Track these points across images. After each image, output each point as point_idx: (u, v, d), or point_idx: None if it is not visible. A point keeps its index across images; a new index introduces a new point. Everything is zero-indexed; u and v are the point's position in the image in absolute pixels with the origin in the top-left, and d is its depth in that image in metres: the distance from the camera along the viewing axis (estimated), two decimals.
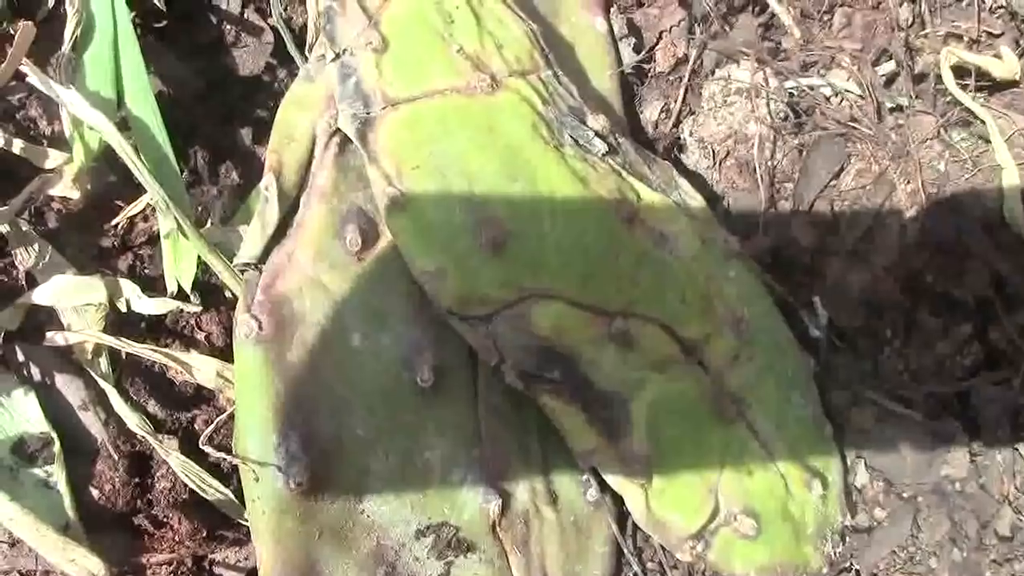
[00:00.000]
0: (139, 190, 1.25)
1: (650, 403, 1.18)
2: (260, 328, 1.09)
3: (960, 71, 1.38)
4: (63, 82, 1.19)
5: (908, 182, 1.36)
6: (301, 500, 1.07)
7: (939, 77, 1.38)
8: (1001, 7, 1.43)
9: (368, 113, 1.15)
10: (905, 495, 1.29)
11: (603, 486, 1.21)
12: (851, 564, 1.27)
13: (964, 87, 1.37)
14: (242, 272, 1.16)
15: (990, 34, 1.42)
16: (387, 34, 1.17)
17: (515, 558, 1.18)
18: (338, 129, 1.17)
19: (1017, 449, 1.29)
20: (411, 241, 1.12)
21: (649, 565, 1.28)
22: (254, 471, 1.07)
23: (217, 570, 1.21)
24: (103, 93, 1.23)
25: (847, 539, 1.27)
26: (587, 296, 1.16)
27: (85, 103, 1.17)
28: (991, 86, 1.40)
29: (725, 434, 1.22)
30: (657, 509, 1.17)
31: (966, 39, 1.41)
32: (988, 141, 1.36)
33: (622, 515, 1.25)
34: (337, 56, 1.17)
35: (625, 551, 1.26)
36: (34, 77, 1.18)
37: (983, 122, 1.36)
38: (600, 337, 1.16)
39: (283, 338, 1.10)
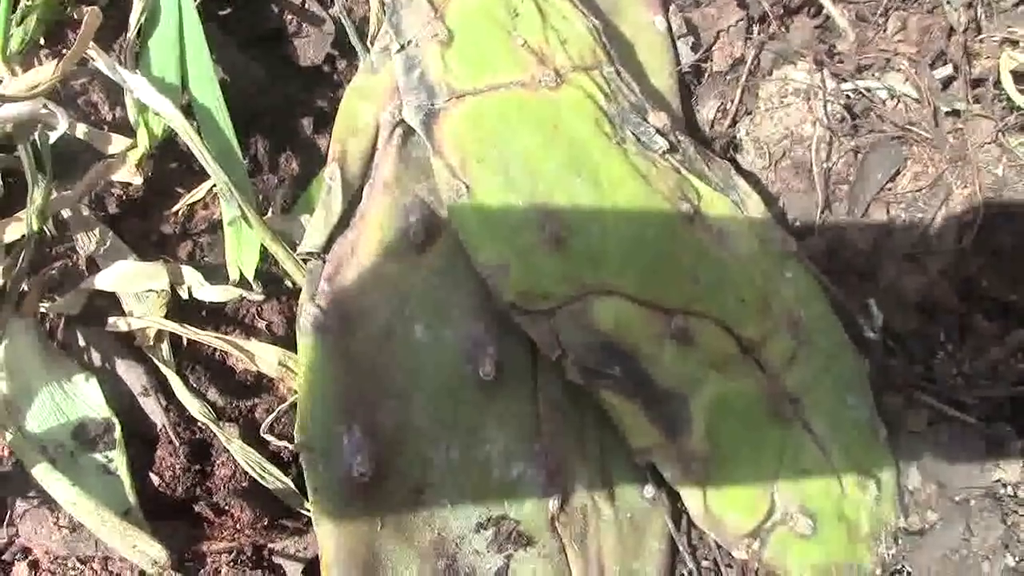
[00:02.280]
0: (199, 177, 1.25)
1: (709, 401, 1.17)
2: (324, 317, 1.09)
3: (1018, 76, 1.38)
4: (128, 67, 1.19)
5: (965, 186, 1.36)
6: (363, 490, 1.07)
7: (996, 82, 1.38)
8: None
9: (433, 105, 1.15)
10: (957, 499, 1.28)
11: (660, 483, 1.20)
12: (903, 566, 1.27)
13: (1021, 92, 1.37)
14: (304, 261, 1.16)
15: None
16: (452, 26, 1.18)
17: (573, 553, 1.17)
18: (402, 120, 1.17)
19: None
20: (474, 234, 1.13)
21: (704, 563, 1.27)
22: (316, 460, 1.06)
23: (277, 559, 1.20)
24: (167, 79, 1.23)
25: (900, 541, 1.27)
26: (648, 293, 1.16)
27: (150, 88, 1.17)
28: None
29: (782, 434, 1.21)
30: (714, 507, 1.17)
31: (1022, 44, 1.41)
32: None
33: (678, 512, 1.25)
34: (402, 47, 1.18)
35: (680, 548, 1.25)
36: (100, 62, 1.18)
37: None
38: (660, 334, 1.16)
39: (346, 328, 1.10)
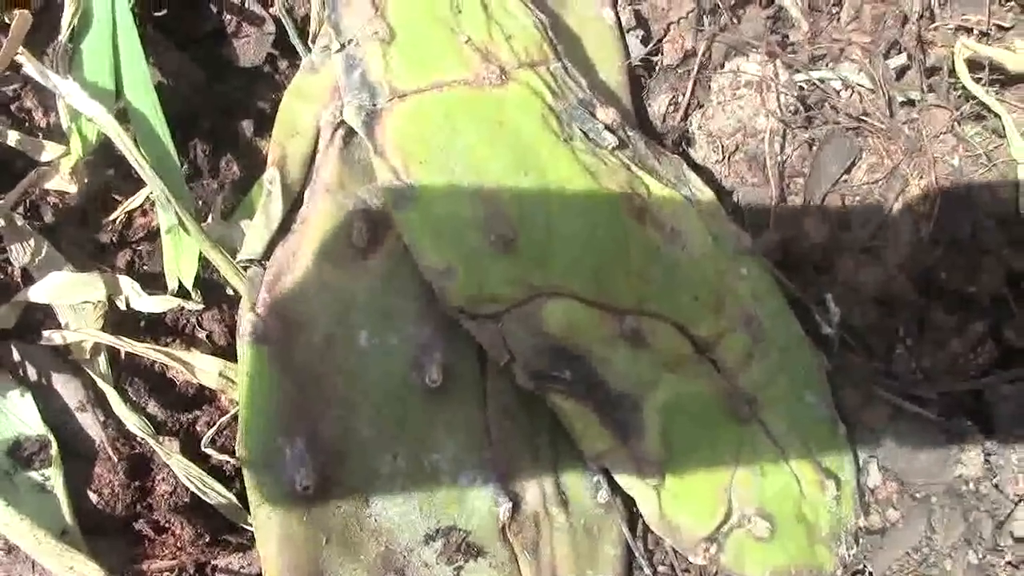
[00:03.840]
0: (137, 184, 1.22)
1: (663, 403, 1.15)
2: (264, 326, 1.07)
3: (973, 65, 1.36)
4: (60, 72, 1.16)
5: (921, 177, 1.34)
6: (307, 504, 1.05)
7: (951, 71, 1.37)
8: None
9: (374, 105, 1.12)
10: (919, 496, 1.27)
11: (614, 488, 1.19)
12: (864, 566, 1.26)
13: (978, 80, 1.35)
14: (245, 269, 1.13)
15: (1000, 27, 1.40)
16: (394, 24, 1.15)
17: (525, 562, 1.16)
18: (343, 121, 1.15)
19: None
20: (419, 237, 1.10)
21: (661, 568, 1.26)
22: (259, 474, 1.04)
23: None
24: (101, 84, 1.20)
25: (860, 540, 1.26)
26: (598, 294, 1.14)
27: (83, 94, 1.14)
28: (1004, 79, 1.38)
29: (738, 434, 1.19)
30: (669, 511, 1.15)
31: (976, 32, 1.39)
32: (1002, 136, 1.35)
33: (633, 517, 1.23)
34: (342, 46, 1.15)
35: (636, 554, 1.24)
36: (31, 67, 1.15)
37: (997, 116, 1.34)
38: (612, 336, 1.14)
39: (288, 337, 1.08)
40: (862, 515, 1.26)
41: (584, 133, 1.19)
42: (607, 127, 1.20)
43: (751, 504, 1.18)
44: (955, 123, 1.35)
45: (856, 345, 1.33)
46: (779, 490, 1.20)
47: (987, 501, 1.26)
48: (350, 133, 1.16)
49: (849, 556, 1.23)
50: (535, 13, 1.23)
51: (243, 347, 1.07)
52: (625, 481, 1.15)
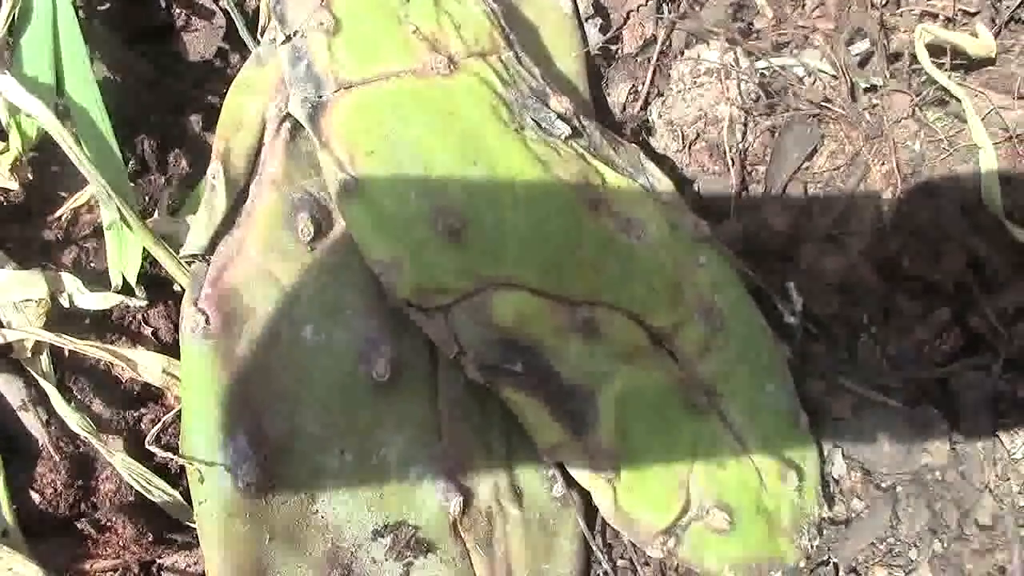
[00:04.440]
0: (82, 181, 1.21)
1: (618, 395, 1.14)
2: (207, 322, 1.06)
3: (935, 50, 1.35)
4: None
5: (883, 163, 1.33)
6: (250, 501, 1.04)
7: (914, 56, 1.36)
8: None
9: (320, 97, 1.11)
10: (884, 485, 1.26)
11: (569, 482, 1.17)
12: (828, 557, 1.25)
13: (940, 66, 1.35)
14: (189, 264, 1.12)
15: (965, 12, 1.39)
16: (339, 15, 1.14)
17: (478, 557, 1.15)
18: (289, 114, 1.14)
19: (997, 436, 1.27)
20: (365, 229, 1.09)
21: (619, 562, 1.25)
22: (201, 471, 1.03)
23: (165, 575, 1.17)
24: (41, 79, 1.19)
25: (824, 532, 1.25)
26: (550, 285, 1.13)
27: (21, 89, 1.14)
28: (967, 65, 1.37)
29: (696, 426, 1.18)
30: (626, 505, 1.14)
31: (941, 17, 1.38)
32: (964, 121, 1.34)
33: (591, 511, 1.22)
34: (288, 38, 1.14)
35: (594, 548, 1.22)
36: None
37: (959, 101, 1.33)
38: (564, 327, 1.13)
39: (231, 333, 1.07)
40: (826, 506, 1.25)
41: (536, 123, 1.18)
42: (560, 116, 1.19)
43: (710, 496, 1.17)
44: (916, 108, 1.34)
45: (819, 334, 1.33)
46: (739, 482, 1.19)
47: (953, 490, 1.26)
48: (296, 126, 1.15)
49: (812, 547, 1.22)
50: (487, 2, 1.22)
51: (185, 343, 1.06)
52: (579, 475, 1.14)
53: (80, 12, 1.22)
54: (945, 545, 1.24)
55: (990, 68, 1.36)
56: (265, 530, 1.05)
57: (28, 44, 1.20)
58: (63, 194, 1.24)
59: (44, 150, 1.23)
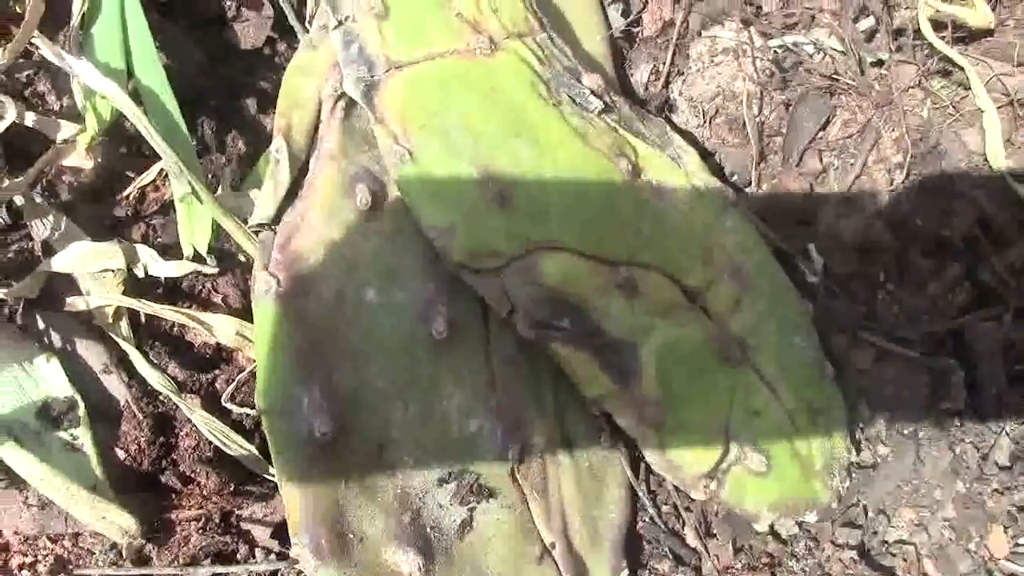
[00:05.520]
0: (149, 161, 1.27)
1: (658, 348, 1.20)
2: (278, 284, 1.11)
3: (937, 24, 1.42)
4: (74, 54, 1.21)
5: (893, 130, 1.40)
6: (326, 450, 1.09)
7: (917, 31, 1.42)
8: None
9: (372, 76, 1.17)
10: (906, 431, 1.32)
11: (616, 431, 1.23)
12: (858, 499, 1.30)
13: (942, 38, 1.41)
14: (256, 234, 1.18)
15: None
16: (388, 1, 1.20)
17: (535, 503, 1.20)
18: (343, 93, 1.19)
19: (1011, 381, 1.33)
20: (419, 198, 1.15)
21: (664, 508, 1.31)
22: (278, 422, 1.08)
23: (245, 525, 1.22)
24: (112, 64, 1.24)
25: (853, 475, 1.30)
26: (592, 246, 1.19)
27: (97, 72, 1.19)
28: (967, 36, 1.44)
29: (732, 376, 1.24)
30: (669, 450, 1.20)
31: None
32: (967, 88, 1.40)
33: (636, 460, 1.28)
34: (340, 23, 1.20)
35: (640, 494, 1.28)
36: (46, 49, 1.20)
37: (962, 69, 1.40)
38: (607, 286, 1.19)
39: (300, 294, 1.12)
40: (854, 451, 1.30)
41: (571, 98, 1.25)
42: (592, 92, 1.25)
43: (747, 441, 1.22)
44: (922, 78, 1.41)
45: (840, 291, 1.38)
46: (774, 427, 1.25)
47: (971, 433, 1.32)
48: (351, 104, 1.20)
49: (843, 488, 1.28)
50: None
51: (258, 304, 1.11)
52: (625, 423, 1.19)
53: (142, 3, 1.27)
54: (967, 485, 1.30)
55: (989, 39, 1.43)
56: (340, 476, 1.09)
57: (99, 33, 1.25)
58: (130, 174, 1.30)
59: (110, 134, 1.28)
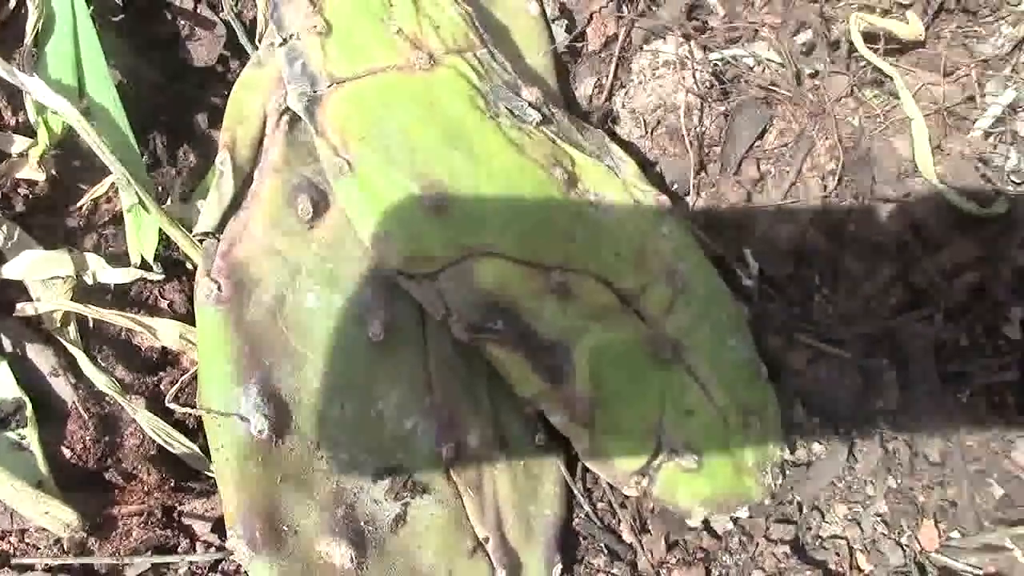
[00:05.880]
0: (101, 174, 1.31)
1: (591, 349, 1.22)
2: (219, 290, 1.15)
3: (870, 37, 1.46)
4: (27, 72, 1.26)
5: (826, 138, 1.43)
6: (263, 447, 1.13)
7: (851, 43, 1.46)
8: None
9: (315, 91, 1.22)
10: (840, 430, 1.35)
11: (550, 430, 1.26)
12: (793, 496, 1.33)
13: (875, 51, 1.45)
14: (201, 241, 1.22)
15: (900, 4, 1.49)
16: (330, 19, 1.24)
17: (468, 498, 1.24)
18: (287, 108, 1.24)
19: (942, 381, 1.37)
20: (358, 207, 1.19)
21: (599, 504, 1.34)
22: (218, 422, 1.12)
23: (186, 520, 1.26)
24: (65, 82, 1.29)
25: (787, 472, 1.33)
26: (526, 252, 1.22)
27: (48, 89, 1.24)
28: (899, 49, 1.48)
29: (665, 376, 1.27)
30: (602, 448, 1.23)
31: (878, 10, 1.49)
32: (897, 97, 1.44)
33: (572, 458, 1.31)
34: (284, 41, 1.24)
35: (575, 491, 1.32)
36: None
37: (892, 80, 1.44)
38: (540, 290, 1.22)
39: (241, 299, 1.16)
40: (787, 450, 1.33)
41: (510, 110, 1.28)
42: (531, 104, 1.29)
43: (679, 439, 1.25)
44: (855, 88, 1.45)
45: (775, 294, 1.42)
46: (705, 426, 1.27)
47: (903, 431, 1.34)
48: (294, 118, 1.25)
49: (776, 485, 1.30)
50: (461, 5, 1.33)
51: (200, 309, 1.15)
52: (558, 421, 1.22)
53: (96, 24, 1.32)
54: (898, 481, 1.33)
55: (920, 50, 1.47)
56: (276, 473, 1.13)
57: (52, 51, 1.30)
58: (83, 187, 1.34)
59: (65, 148, 1.32)
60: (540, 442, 1.30)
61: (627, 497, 1.32)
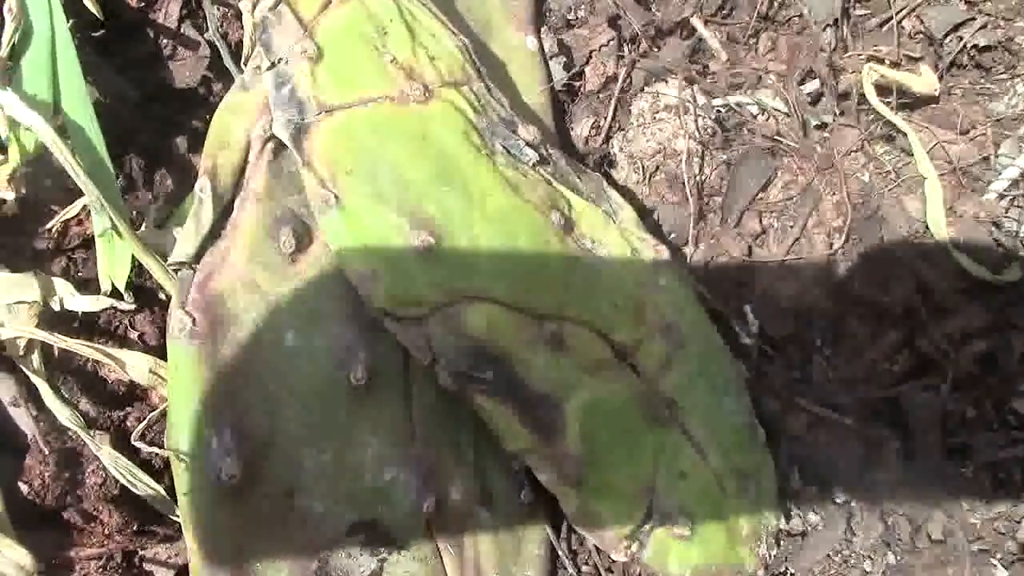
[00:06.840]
0: (73, 195, 1.25)
1: (583, 405, 1.18)
2: (194, 324, 1.09)
3: (882, 90, 1.43)
4: (1, 85, 1.20)
5: (834, 193, 1.39)
6: (233, 493, 1.07)
7: (862, 95, 1.43)
8: (920, 32, 1.48)
9: (303, 119, 1.16)
10: (839, 500, 1.30)
11: (537, 487, 1.21)
12: (786, 568, 1.28)
13: (887, 104, 1.41)
14: (176, 271, 1.16)
15: (910, 57, 1.47)
16: (322, 44, 1.19)
17: (448, 557, 1.18)
18: (273, 135, 1.18)
19: (947, 454, 1.32)
20: (344, 243, 1.14)
21: (584, 568, 1.28)
22: (186, 464, 1.06)
23: (148, 567, 1.20)
24: (40, 97, 1.23)
25: (782, 543, 1.28)
26: (519, 299, 1.17)
27: (22, 105, 1.18)
28: (911, 103, 1.45)
29: (659, 437, 1.22)
30: (591, 510, 1.18)
31: (887, 62, 1.45)
32: (910, 153, 1.40)
33: (558, 516, 1.26)
34: (272, 65, 1.19)
35: (560, 552, 1.26)
36: None
37: (905, 135, 1.40)
38: (532, 339, 1.17)
39: (216, 335, 1.11)
40: (783, 518, 1.29)
41: (506, 149, 1.24)
42: (528, 143, 1.25)
43: (671, 504, 1.21)
44: (865, 142, 1.41)
45: (774, 355, 1.37)
46: (700, 491, 1.23)
47: (905, 504, 1.30)
48: (280, 146, 1.19)
49: (770, 556, 1.26)
50: (459, 37, 1.28)
51: (172, 343, 1.09)
52: (546, 479, 1.17)
53: (75, 39, 1.27)
54: (898, 558, 1.28)
55: (934, 106, 1.44)
56: (246, 522, 1.08)
57: (28, 65, 1.24)
58: (54, 208, 1.28)
59: (37, 166, 1.26)
60: (526, 499, 1.24)
61: (614, 561, 1.27)
